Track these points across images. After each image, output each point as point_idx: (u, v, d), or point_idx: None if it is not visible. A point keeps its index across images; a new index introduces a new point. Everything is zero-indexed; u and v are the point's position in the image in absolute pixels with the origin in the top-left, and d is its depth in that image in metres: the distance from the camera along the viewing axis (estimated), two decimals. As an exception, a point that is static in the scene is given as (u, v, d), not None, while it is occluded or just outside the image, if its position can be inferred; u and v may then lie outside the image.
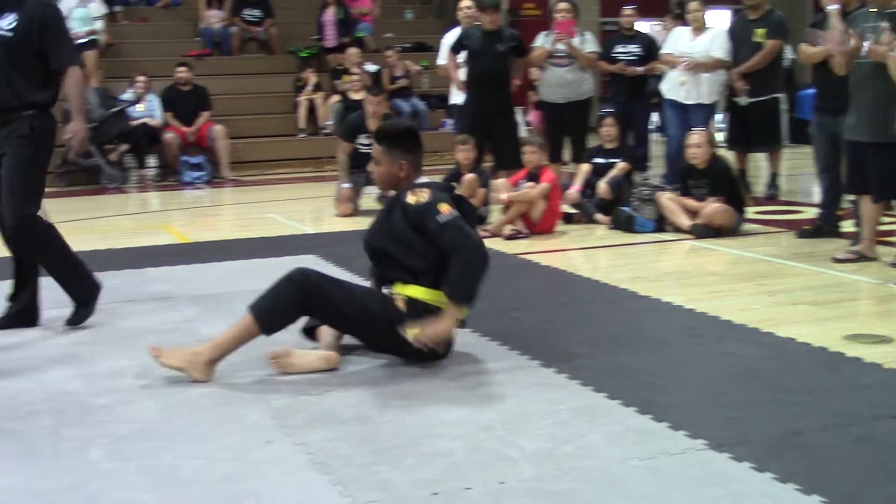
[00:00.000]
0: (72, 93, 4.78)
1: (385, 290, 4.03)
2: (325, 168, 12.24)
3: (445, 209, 3.87)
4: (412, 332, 3.83)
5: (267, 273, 5.87)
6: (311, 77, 13.41)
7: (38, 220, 4.68)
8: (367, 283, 4.29)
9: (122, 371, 3.99)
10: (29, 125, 4.60)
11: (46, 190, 4.79)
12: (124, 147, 12.07)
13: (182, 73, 12.39)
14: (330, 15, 14.07)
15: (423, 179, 4.12)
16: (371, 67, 13.40)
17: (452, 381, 3.79)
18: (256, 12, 14.64)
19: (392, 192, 4.20)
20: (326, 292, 3.89)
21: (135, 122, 12.10)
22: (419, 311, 3.88)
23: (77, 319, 4.78)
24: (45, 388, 3.81)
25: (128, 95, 12.35)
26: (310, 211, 9.47)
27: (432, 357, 3.94)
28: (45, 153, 4.77)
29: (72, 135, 4.83)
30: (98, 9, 13.14)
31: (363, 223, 8.16)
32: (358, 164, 8.61)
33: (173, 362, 3.79)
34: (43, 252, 4.74)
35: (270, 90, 13.92)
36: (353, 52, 13.23)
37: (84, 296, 4.82)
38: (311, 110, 13.38)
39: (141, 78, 12.39)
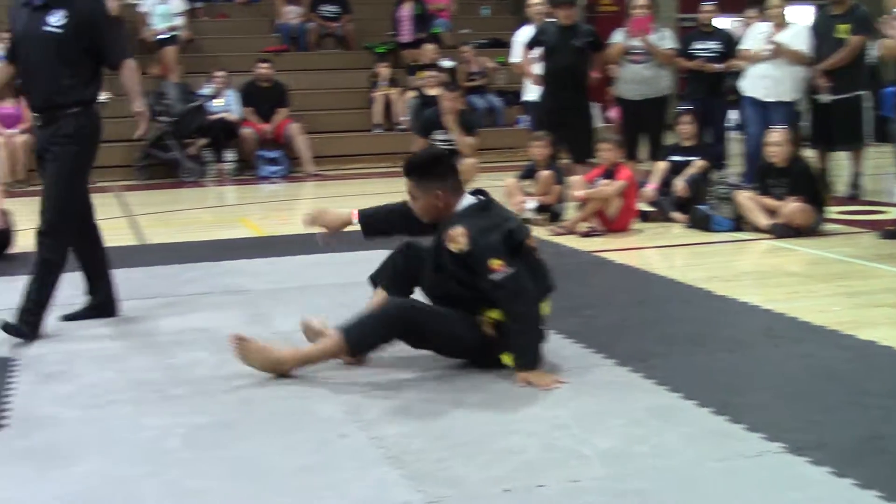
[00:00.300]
0: (130, 84, 4.82)
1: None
2: (400, 164, 12.26)
3: (497, 265, 3.67)
4: (508, 360, 3.79)
5: (341, 267, 5.96)
6: (384, 71, 13.47)
7: (73, 222, 4.67)
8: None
9: (200, 362, 4.05)
10: (74, 124, 4.56)
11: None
12: (202, 141, 12.25)
13: (264, 69, 12.51)
14: (406, 10, 14.11)
15: (465, 200, 3.91)
16: (446, 63, 13.41)
17: (526, 378, 3.77)
18: (334, 8, 14.74)
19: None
20: (419, 326, 3.81)
21: (213, 117, 12.28)
22: (506, 333, 3.81)
23: (14, 330, 4.48)
24: (126, 378, 3.88)
25: (206, 90, 12.53)
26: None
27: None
28: (90, 151, 4.73)
29: (139, 114, 4.96)
30: (179, 5, 13.36)
31: (437, 219, 8.22)
32: (433, 161, 8.70)
33: (256, 364, 3.80)
34: (60, 257, 4.61)
35: (346, 86, 14.02)
36: (428, 48, 13.27)
37: (34, 323, 4.54)
38: (387, 106, 13.43)
39: (219, 73, 12.56)
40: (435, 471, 2.91)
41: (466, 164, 8.64)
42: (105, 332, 4.64)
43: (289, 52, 14.53)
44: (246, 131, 12.28)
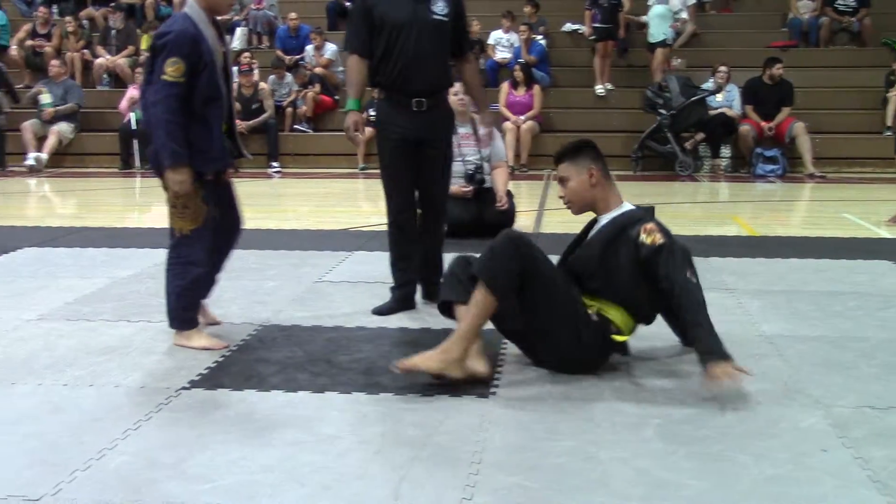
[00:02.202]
0: (474, 79, 5.15)
1: None
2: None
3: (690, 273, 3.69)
4: (623, 338, 3.79)
5: (837, 274, 5.66)
6: (903, 71, 12.60)
7: None
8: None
9: (681, 355, 4.04)
10: (449, 108, 4.96)
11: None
12: (700, 136, 12.22)
13: (777, 70, 12.12)
14: (936, 3, 13.07)
15: (627, 205, 3.92)
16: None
17: None
18: (851, 2, 14.02)
19: (592, 213, 3.98)
20: (535, 262, 3.66)
21: (713, 112, 12.20)
22: (605, 325, 3.76)
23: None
24: (609, 364, 3.96)
25: (708, 85, 12.47)
26: (889, 213, 8.87)
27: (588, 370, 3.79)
28: None
29: (486, 125, 5.33)
30: (678, 4, 13.34)
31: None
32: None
33: (432, 367, 3.62)
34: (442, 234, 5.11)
35: (857, 84, 13.28)
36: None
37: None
38: (902, 107, 12.55)
39: (722, 68, 12.45)
40: (926, 504, 2.67)
41: None
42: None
43: (797, 47, 14.05)
44: (744, 128, 12.07)
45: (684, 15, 13.53)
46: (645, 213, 3.89)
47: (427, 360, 3.61)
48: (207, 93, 4.02)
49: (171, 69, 3.90)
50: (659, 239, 3.70)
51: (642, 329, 4.46)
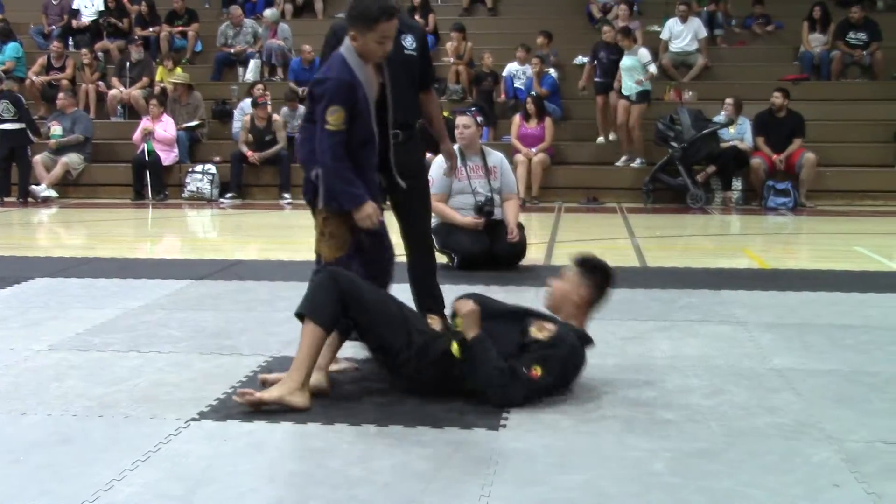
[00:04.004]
0: (436, 114, 5.10)
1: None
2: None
3: (537, 372, 3.76)
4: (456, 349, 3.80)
5: (849, 307, 5.64)
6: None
7: None
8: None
9: (692, 389, 4.02)
10: (421, 139, 5.01)
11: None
12: (711, 169, 12.22)
13: (776, 99, 12.15)
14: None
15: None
16: None
17: None
18: (862, 35, 14.05)
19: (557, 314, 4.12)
20: (358, 284, 3.91)
21: (725, 145, 12.20)
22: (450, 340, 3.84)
23: None
24: (618, 396, 3.93)
25: (720, 118, 12.48)
26: (901, 247, 8.88)
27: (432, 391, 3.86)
28: None
29: (449, 156, 5.18)
30: (646, 54, 13.01)
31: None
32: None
33: (272, 397, 3.71)
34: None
35: (868, 117, 13.28)
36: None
37: None
38: (913, 141, 12.54)
39: (728, 100, 12.43)
40: (940, 541, 2.64)
41: None
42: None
43: (808, 81, 14.07)
44: (755, 161, 12.06)
45: (652, 68, 13.08)
46: (570, 326, 4.02)
47: (267, 393, 3.74)
48: (361, 137, 4.16)
49: (332, 118, 4.03)
50: (543, 335, 3.89)
51: (654, 362, 4.47)
